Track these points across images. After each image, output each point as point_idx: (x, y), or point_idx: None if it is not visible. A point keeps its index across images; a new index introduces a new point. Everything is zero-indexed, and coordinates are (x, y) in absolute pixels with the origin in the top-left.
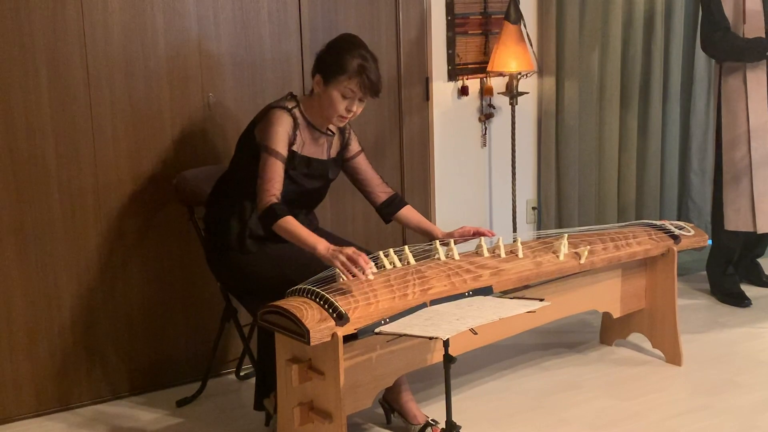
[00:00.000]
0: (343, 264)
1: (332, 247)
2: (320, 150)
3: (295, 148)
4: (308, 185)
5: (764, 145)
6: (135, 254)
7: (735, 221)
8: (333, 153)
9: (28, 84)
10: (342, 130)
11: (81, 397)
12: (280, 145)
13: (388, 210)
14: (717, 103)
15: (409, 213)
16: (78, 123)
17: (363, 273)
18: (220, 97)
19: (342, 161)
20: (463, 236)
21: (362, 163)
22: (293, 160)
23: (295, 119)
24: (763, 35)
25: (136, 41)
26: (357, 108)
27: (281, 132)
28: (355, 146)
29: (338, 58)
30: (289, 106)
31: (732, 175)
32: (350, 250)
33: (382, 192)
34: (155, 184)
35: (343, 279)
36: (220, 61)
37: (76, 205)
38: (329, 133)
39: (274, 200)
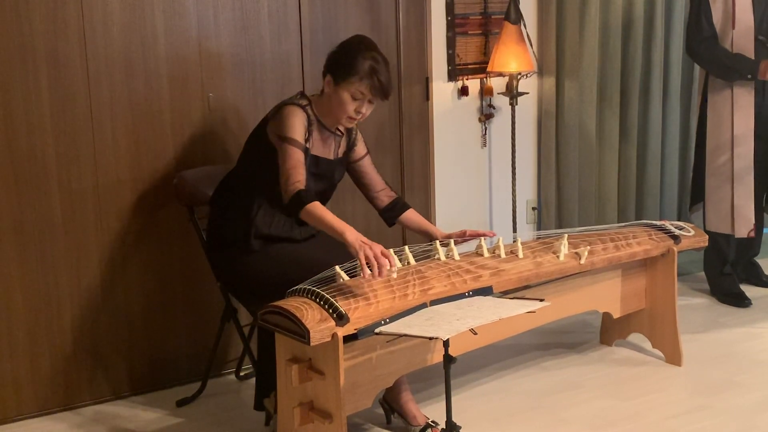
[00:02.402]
0: (366, 258)
1: (362, 238)
2: (328, 150)
3: (307, 144)
4: (313, 186)
5: (747, 152)
6: (135, 254)
7: (716, 223)
8: (340, 153)
9: (28, 84)
10: (349, 131)
11: (81, 397)
12: (299, 135)
13: (390, 214)
14: (700, 105)
15: (411, 216)
16: (78, 123)
17: (379, 275)
18: (220, 97)
19: (347, 163)
20: (463, 237)
21: (367, 167)
22: (305, 157)
23: (308, 116)
24: (752, 43)
25: (136, 41)
26: (366, 110)
27: (298, 124)
28: (361, 148)
29: (350, 60)
30: (303, 104)
31: (715, 179)
32: (379, 249)
33: (385, 196)
34: (155, 184)
35: (342, 279)
36: (220, 61)
37: (76, 205)
38: (338, 133)
39: (300, 186)
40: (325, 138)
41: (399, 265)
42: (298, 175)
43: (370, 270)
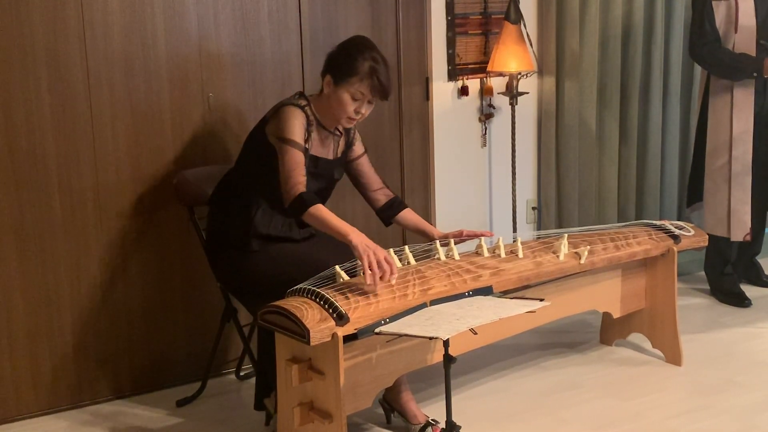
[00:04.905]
0: (370, 265)
1: (367, 241)
2: (327, 150)
3: (306, 145)
4: (312, 185)
5: (745, 153)
6: (135, 254)
7: (712, 225)
8: (339, 153)
9: (28, 84)
10: (347, 130)
11: (81, 396)
12: (298, 136)
13: (388, 213)
14: (701, 106)
15: (408, 215)
16: (78, 123)
17: (381, 279)
18: (220, 97)
19: (345, 162)
20: (460, 237)
21: (365, 166)
22: (305, 158)
23: (307, 117)
24: (754, 48)
25: (136, 41)
26: (366, 110)
27: (298, 125)
28: (359, 148)
29: (350, 60)
30: (302, 104)
31: (713, 182)
32: (383, 254)
33: (382, 195)
34: (155, 184)
35: (342, 279)
36: (220, 61)
37: (76, 205)
38: (337, 133)
39: (301, 188)
40: (324, 138)
41: (399, 264)
42: (299, 177)
43: (372, 274)
